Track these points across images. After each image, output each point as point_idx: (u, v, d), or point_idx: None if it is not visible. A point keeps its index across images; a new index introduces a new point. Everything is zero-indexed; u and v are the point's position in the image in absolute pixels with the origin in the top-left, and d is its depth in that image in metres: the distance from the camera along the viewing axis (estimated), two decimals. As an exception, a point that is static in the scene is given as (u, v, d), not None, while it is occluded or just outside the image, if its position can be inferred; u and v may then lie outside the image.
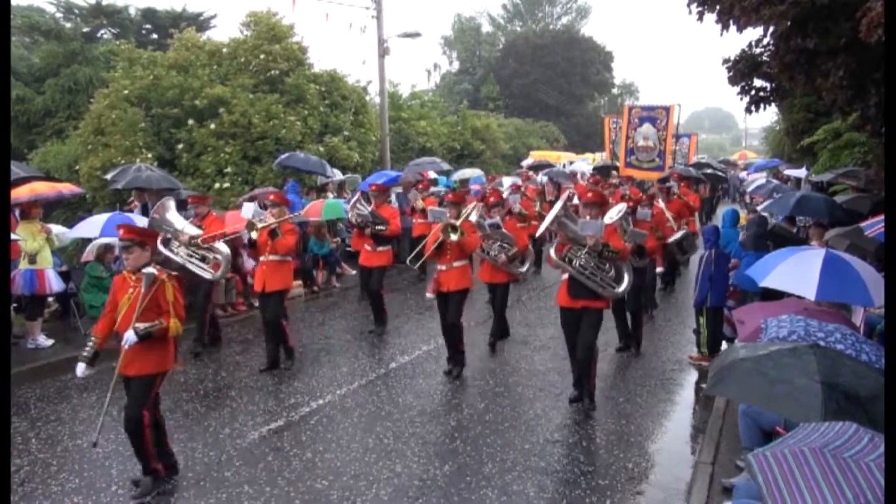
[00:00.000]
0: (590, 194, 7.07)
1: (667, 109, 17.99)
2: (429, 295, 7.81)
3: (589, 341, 6.49)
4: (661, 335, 9.49)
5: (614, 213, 7.70)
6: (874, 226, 6.81)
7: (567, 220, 6.45)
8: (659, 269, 10.59)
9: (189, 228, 7.90)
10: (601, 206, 6.76)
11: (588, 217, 6.53)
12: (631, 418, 6.53)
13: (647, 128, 17.92)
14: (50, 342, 8.43)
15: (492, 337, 8.75)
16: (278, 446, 5.86)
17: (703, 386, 7.17)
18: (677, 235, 10.85)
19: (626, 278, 6.47)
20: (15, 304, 8.57)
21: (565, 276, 6.52)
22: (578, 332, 6.58)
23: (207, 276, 7.76)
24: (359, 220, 9.45)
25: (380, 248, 9.34)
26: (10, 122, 16.67)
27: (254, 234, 7.73)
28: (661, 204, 11.21)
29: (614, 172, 18.60)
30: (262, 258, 7.88)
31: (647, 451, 5.86)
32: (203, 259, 7.76)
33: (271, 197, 8.22)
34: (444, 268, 7.55)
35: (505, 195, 11.83)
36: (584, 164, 26.66)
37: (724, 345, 8.10)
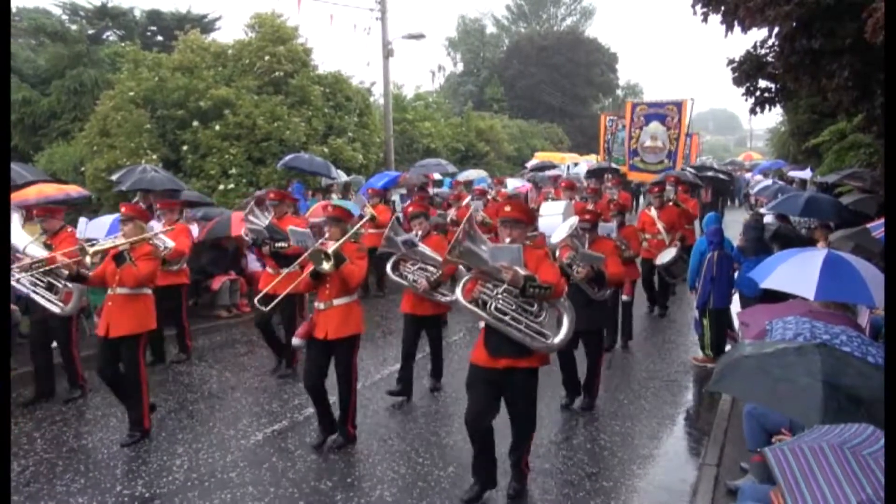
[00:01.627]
0: (508, 207, 4.87)
1: (678, 105, 16.03)
2: (296, 341, 6.02)
3: (524, 418, 4.80)
4: (666, 337, 9.47)
5: (563, 229, 6.44)
6: (881, 227, 6.78)
7: (474, 246, 4.63)
8: (626, 298, 8.78)
9: (34, 249, 6.52)
10: (524, 223, 4.87)
11: (507, 239, 4.72)
12: (635, 420, 6.52)
13: (655, 126, 16.08)
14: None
15: (433, 378, 7.31)
16: (282, 447, 5.87)
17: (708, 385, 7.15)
18: (665, 258, 9.55)
19: (567, 323, 4.72)
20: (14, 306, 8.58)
21: (482, 323, 4.78)
22: (500, 405, 4.77)
23: (56, 309, 6.39)
24: (252, 237, 7.66)
25: (284, 271, 6.44)
26: (10, 122, 16.69)
27: (88, 260, 5.85)
28: (651, 212, 10.18)
29: (608, 176, 16.29)
30: (108, 291, 6.00)
31: (652, 453, 5.84)
32: (50, 288, 6.44)
33: (124, 209, 6.31)
34: (321, 306, 5.64)
35: (466, 200, 10.98)
36: (586, 166, 26.39)
37: (727, 347, 8.08)
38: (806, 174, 16.50)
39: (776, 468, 2.62)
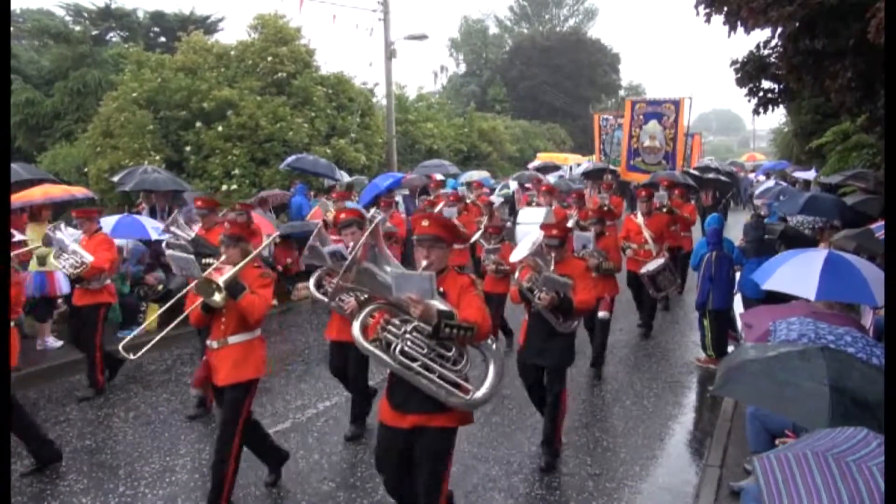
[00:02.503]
0: (425, 222, 3.91)
1: (675, 104, 15.34)
2: (193, 391, 5.40)
3: (428, 489, 3.81)
4: (669, 337, 9.45)
5: (525, 246, 5.43)
6: (883, 228, 6.77)
7: (375, 268, 3.66)
8: (603, 314, 7.84)
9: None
10: (445, 242, 3.93)
11: (424, 261, 3.81)
12: (638, 421, 6.51)
13: (653, 125, 15.37)
14: (59, 343, 8.46)
15: (352, 425, 6.11)
16: (285, 448, 5.87)
17: (710, 388, 7.15)
18: (651, 266, 8.68)
19: (493, 373, 3.69)
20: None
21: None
22: (408, 472, 3.91)
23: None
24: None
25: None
26: (10, 121, 16.72)
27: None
28: (638, 219, 9.13)
29: (608, 177, 15.41)
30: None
31: (655, 454, 5.84)
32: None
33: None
34: (214, 345, 4.74)
35: (440, 207, 10.17)
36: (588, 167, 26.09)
37: (730, 348, 8.07)
38: (810, 175, 16.44)
39: (761, 476, 2.63)
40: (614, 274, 7.79)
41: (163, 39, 25.98)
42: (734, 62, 8.57)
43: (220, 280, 4.50)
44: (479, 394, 3.68)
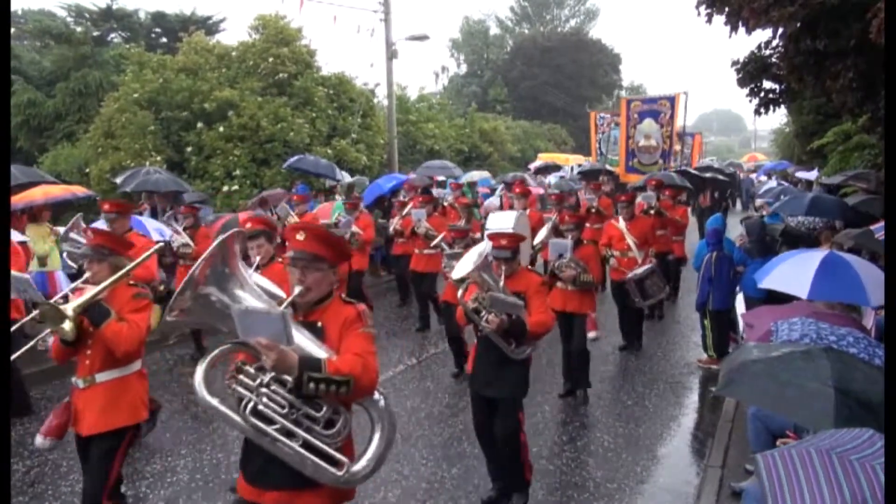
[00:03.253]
0: (300, 235, 3.06)
1: (671, 100, 14.77)
2: (40, 440, 4.46)
3: None
4: (670, 338, 9.45)
5: (469, 260, 4.59)
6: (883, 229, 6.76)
7: (219, 293, 2.85)
8: (592, 335, 7.34)
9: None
10: (325, 261, 3.06)
11: (298, 287, 3.00)
12: (639, 421, 6.51)
13: (648, 124, 14.80)
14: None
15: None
16: None
17: (713, 389, 7.14)
18: (639, 271, 7.99)
19: (376, 443, 2.93)
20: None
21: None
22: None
23: None
24: (78, 262, 6.69)
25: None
26: (10, 121, 16.71)
27: None
28: (620, 224, 8.44)
29: (604, 178, 14.44)
30: None
31: (656, 455, 5.84)
32: None
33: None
34: (80, 384, 4.00)
35: (408, 209, 9.65)
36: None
37: (731, 348, 8.06)
38: (812, 175, 16.42)
39: (763, 473, 2.63)
40: (592, 288, 6.84)
41: (164, 40, 26.00)
42: (735, 62, 8.57)
43: (72, 305, 3.65)
44: (358, 466, 2.85)
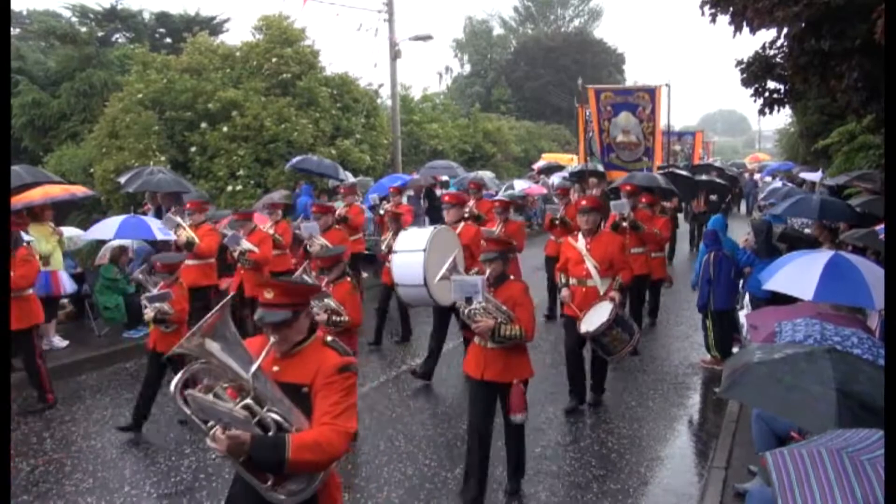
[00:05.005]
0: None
1: (650, 92, 13.11)
2: None
3: None
4: (673, 338, 9.43)
5: (440, 265, 4.25)
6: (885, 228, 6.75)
7: (226, 351, 2.75)
8: (516, 417, 4.84)
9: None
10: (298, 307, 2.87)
11: (273, 336, 2.83)
12: (643, 422, 6.50)
13: (625, 118, 13.12)
14: (65, 343, 8.49)
15: None
16: None
17: (717, 390, 7.13)
18: (593, 325, 6.07)
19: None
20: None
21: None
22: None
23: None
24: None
25: None
26: (10, 121, 16.72)
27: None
28: (578, 243, 6.40)
29: (593, 180, 12.23)
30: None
31: (660, 456, 5.82)
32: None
33: None
34: None
35: (345, 202, 9.42)
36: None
37: (734, 349, 8.05)
38: (816, 176, 16.34)
39: (773, 472, 2.62)
40: (522, 342, 4.80)
41: (168, 40, 26.08)
42: (740, 62, 8.55)
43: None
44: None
